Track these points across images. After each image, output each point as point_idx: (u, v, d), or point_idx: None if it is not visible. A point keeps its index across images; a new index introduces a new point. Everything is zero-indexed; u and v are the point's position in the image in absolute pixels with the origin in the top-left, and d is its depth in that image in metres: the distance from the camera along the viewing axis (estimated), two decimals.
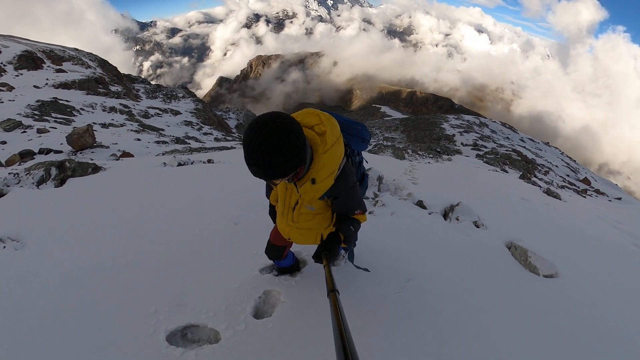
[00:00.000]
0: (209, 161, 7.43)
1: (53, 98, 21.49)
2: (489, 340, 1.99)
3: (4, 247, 2.68)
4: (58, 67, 29.83)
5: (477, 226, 3.72)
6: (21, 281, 2.25)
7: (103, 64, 34.49)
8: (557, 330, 2.20)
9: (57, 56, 31.30)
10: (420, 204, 4.13)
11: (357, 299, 2.15)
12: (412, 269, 2.59)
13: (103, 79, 29.78)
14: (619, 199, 14.38)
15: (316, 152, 1.41)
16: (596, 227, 4.98)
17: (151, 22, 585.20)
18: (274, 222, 2.05)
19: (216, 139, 26.31)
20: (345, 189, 1.56)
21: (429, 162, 11.35)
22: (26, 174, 4.70)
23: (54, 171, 4.92)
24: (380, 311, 2.06)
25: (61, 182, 4.81)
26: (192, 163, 6.97)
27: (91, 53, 36.31)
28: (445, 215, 3.96)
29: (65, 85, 25.73)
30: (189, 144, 20.94)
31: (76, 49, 35.75)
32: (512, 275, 2.87)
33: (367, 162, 2.02)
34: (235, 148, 17.71)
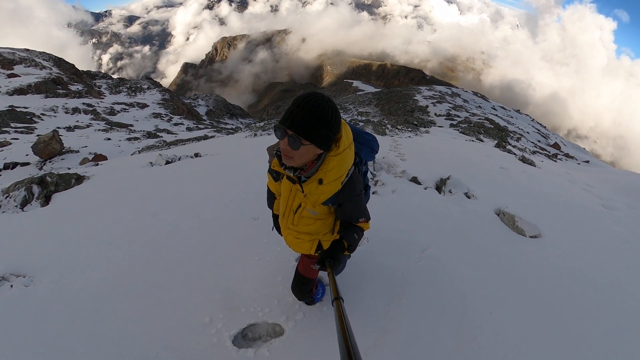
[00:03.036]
0: (196, 155, 7.34)
1: (9, 106, 20.19)
2: (497, 292, 2.40)
3: (11, 285, 2.33)
4: (9, 71, 27.81)
5: (468, 197, 4.04)
6: (49, 321, 2.03)
7: (59, 62, 32.33)
8: (545, 280, 2.62)
9: (7, 60, 29.04)
10: (415, 180, 4.38)
11: (387, 272, 2.43)
12: (424, 239, 2.92)
13: (61, 78, 28.03)
14: (587, 161, 15.41)
15: (327, 153, 1.45)
16: (569, 191, 5.46)
17: (105, 11, 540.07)
18: (280, 233, 1.99)
19: (188, 129, 25.57)
20: (351, 196, 1.57)
21: (410, 136, 11.65)
22: (6, 197, 4.33)
23: (36, 189, 4.54)
24: (409, 279, 2.39)
25: (46, 200, 4.45)
26: (179, 159, 6.87)
27: (44, 52, 33.94)
28: (439, 189, 4.24)
29: (20, 91, 24.19)
30: (162, 137, 20.31)
31: (27, 50, 33.22)
32: (504, 237, 3.26)
33: (372, 173, 2.12)
34: (214, 137, 17.37)
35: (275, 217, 2.02)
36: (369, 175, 4.35)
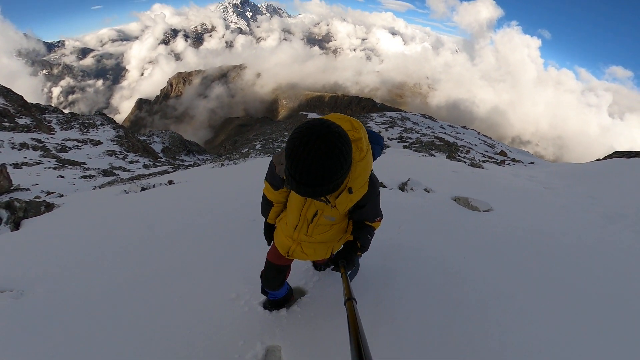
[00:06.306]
0: (170, 182, 7.40)
1: None
2: (466, 247, 3.01)
3: None
4: None
5: (427, 191, 4.72)
6: (52, 324, 2.05)
7: (5, 93, 29.85)
8: (500, 238, 3.31)
9: None
10: (380, 184, 4.97)
11: (375, 240, 2.91)
12: (399, 219, 3.52)
13: (7, 110, 25.98)
14: (532, 163, 17.23)
15: (353, 160, 1.30)
16: (514, 181, 6.51)
17: (58, 41, 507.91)
18: (269, 243, 2.01)
19: (145, 166, 24.71)
20: (373, 196, 1.53)
21: None
22: None
23: (4, 213, 4.43)
24: (393, 244, 2.95)
25: (15, 225, 4.35)
26: (153, 187, 6.88)
27: None
28: (402, 189, 4.86)
29: None
30: (118, 174, 19.43)
31: None
32: (463, 214, 3.95)
33: None
34: (170, 172, 17.03)
35: (268, 226, 1.98)
36: None
